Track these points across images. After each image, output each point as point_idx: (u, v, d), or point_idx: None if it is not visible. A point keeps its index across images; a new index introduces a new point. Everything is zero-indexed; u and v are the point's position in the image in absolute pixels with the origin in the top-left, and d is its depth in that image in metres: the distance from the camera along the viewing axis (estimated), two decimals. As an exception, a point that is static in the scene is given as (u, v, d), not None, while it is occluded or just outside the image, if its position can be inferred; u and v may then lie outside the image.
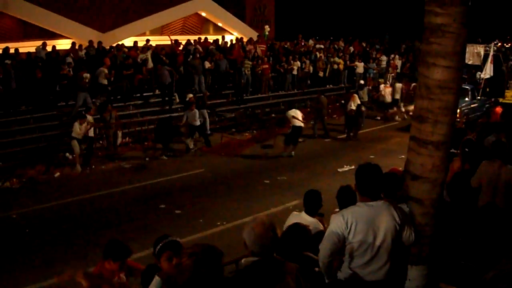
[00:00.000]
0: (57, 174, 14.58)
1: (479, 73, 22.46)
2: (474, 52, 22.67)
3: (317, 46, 28.52)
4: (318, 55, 26.37)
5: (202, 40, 25.44)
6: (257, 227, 3.39)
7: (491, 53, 21.61)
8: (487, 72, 21.31)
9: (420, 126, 4.17)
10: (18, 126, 16.67)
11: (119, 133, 16.68)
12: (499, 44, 32.97)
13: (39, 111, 17.30)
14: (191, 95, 18.85)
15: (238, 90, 22.08)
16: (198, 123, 16.99)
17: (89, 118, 15.34)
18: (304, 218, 5.61)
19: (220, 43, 25.87)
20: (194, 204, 12.19)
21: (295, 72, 24.44)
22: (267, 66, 23.25)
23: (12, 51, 18.59)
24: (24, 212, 11.66)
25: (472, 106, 20.59)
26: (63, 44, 22.07)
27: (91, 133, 15.50)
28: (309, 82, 25.58)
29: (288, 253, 4.07)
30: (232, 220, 10.83)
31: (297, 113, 16.79)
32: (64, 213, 11.66)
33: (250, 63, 22.64)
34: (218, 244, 9.75)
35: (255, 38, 27.30)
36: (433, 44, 4.00)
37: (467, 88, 20.61)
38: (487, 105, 21.20)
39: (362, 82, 23.82)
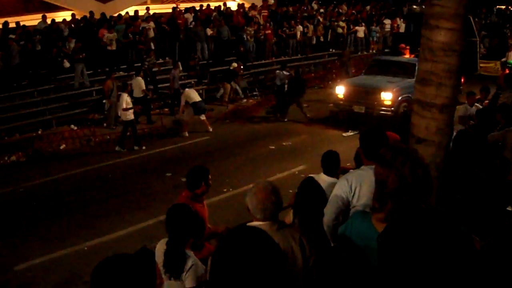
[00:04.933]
0: (63, 146, 14.64)
1: None
2: None
3: (320, 10, 28.24)
4: (320, 20, 26.12)
5: (204, 7, 25.16)
6: (259, 192, 3.39)
7: None
8: None
9: (423, 89, 4.16)
10: (21, 100, 16.64)
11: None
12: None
13: (42, 84, 17.26)
14: (235, 64, 19.32)
15: (241, 57, 21.93)
16: None
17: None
18: (323, 179, 5.47)
19: (222, 9, 25.56)
20: (200, 172, 12.22)
21: (298, 37, 24.26)
22: (269, 31, 23.05)
23: (13, 25, 18.35)
24: (31, 185, 11.71)
25: None
26: (64, 16, 21.79)
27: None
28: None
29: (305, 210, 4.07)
30: (238, 187, 10.85)
31: None
32: (70, 185, 11.73)
33: (252, 29, 22.43)
34: (225, 211, 9.83)
35: (258, 4, 26.96)
36: (436, 6, 3.98)
37: None
38: None
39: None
